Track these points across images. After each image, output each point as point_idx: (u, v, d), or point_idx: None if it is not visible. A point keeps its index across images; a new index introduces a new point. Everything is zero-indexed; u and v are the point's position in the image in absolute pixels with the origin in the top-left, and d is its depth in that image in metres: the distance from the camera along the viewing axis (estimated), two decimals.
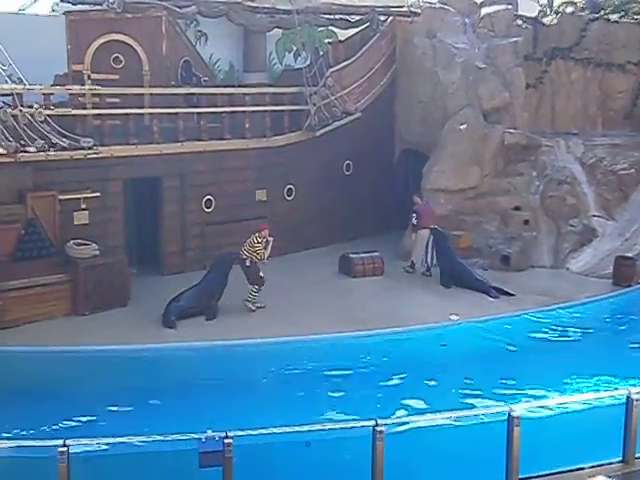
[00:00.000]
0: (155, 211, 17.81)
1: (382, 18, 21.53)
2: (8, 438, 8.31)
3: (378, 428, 8.29)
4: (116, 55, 17.57)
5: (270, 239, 15.51)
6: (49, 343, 13.48)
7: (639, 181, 20.13)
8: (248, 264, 15.38)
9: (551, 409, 9.95)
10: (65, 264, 15.08)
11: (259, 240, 15.39)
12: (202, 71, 19.19)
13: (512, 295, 16.52)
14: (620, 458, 9.34)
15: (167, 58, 18.11)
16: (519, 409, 8.84)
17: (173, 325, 14.48)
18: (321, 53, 21.48)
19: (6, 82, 14.58)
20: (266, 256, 15.51)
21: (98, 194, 16.21)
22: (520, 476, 8.83)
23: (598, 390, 11.77)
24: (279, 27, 21.28)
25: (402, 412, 11.06)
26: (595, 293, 16.95)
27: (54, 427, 10.29)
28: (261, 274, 15.45)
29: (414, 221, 17.86)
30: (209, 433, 8.01)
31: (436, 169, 19.37)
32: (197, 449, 7.94)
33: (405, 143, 21.48)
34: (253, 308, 15.52)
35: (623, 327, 15.63)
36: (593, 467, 9.25)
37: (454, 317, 15.14)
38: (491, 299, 16.40)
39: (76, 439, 7.91)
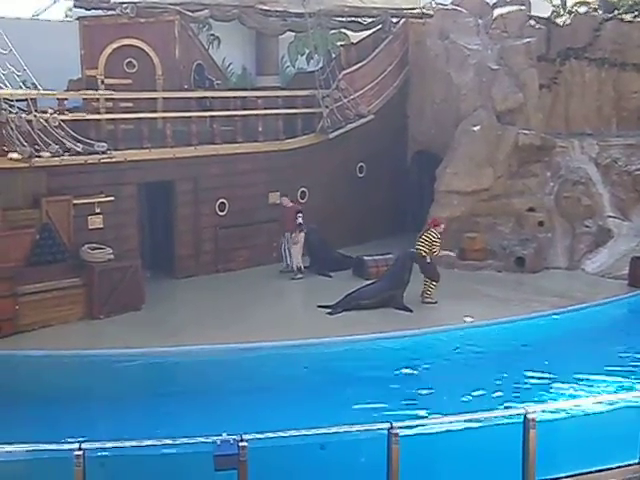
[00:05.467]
0: (168, 215, 17.85)
1: (394, 20, 21.53)
2: (23, 442, 8.30)
3: (393, 431, 8.25)
4: (129, 60, 17.65)
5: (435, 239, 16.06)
6: (64, 347, 13.51)
7: None
8: (429, 260, 15.90)
9: (567, 411, 9.90)
10: (80, 268, 15.13)
11: (438, 235, 15.91)
12: (215, 75, 19.24)
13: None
14: (637, 460, 9.27)
15: (180, 62, 18.17)
16: (535, 411, 8.77)
17: (335, 313, 15.32)
18: (333, 56, 21.49)
19: (20, 87, 14.63)
20: (437, 252, 16.08)
21: (112, 198, 16.24)
22: (537, 478, 8.76)
23: (614, 392, 11.70)
24: (291, 30, 21.32)
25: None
26: (611, 294, 16.83)
27: (69, 430, 10.29)
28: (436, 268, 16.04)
29: (301, 220, 17.84)
30: (224, 436, 8.00)
31: (449, 171, 19.30)
32: (212, 452, 7.94)
33: (418, 145, 21.44)
34: (434, 300, 15.90)
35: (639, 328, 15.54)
36: (610, 469, 9.18)
37: (468, 319, 15.09)
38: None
39: (92, 442, 7.91)
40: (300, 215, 17.72)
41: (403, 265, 15.90)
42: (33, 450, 8.21)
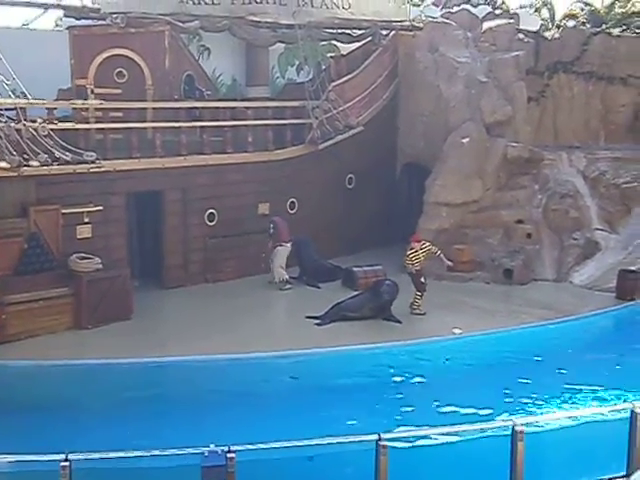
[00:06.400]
0: (158, 225, 17.82)
1: (384, 32, 21.63)
2: (9, 452, 8.24)
3: (381, 442, 8.24)
4: (119, 69, 17.66)
5: (429, 247, 16.22)
6: (51, 357, 13.44)
7: None
8: (409, 271, 16.23)
9: (555, 423, 9.91)
10: (68, 278, 15.07)
11: (413, 251, 16.09)
12: (205, 85, 19.27)
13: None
14: (624, 472, 9.29)
15: (170, 72, 18.19)
16: (523, 423, 8.79)
17: (323, 324, 15.40)
18: (323, 67, 21.54)
19: (10, 96, 14.59)
20: (418, 266, 16.12)
21: (101, 208, 16.22)
22: None
23: (601, 404, 11.73)
24: (282, 41, 21.40)
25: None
26: (598, 307, 16.88)
27: (56, 441, 10.23)
28: (422, 280, 16.14)
29: (272, 231, 17.87)
30: (212, 447, 7.98)
31: (438, 182, 19.37)
32: (200, 464, 7.91)
33: (407, 157, 21.50)
34: (422, 312, 16.01)
35: (626, 341, 15.58)
36: None
37: (457, 331, 15.11)
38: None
39: (78, 453, 7.87)
40: (271, 225, 17.75)
41: (376, 297, 15.89)
42: (19, 461, 8.17)
